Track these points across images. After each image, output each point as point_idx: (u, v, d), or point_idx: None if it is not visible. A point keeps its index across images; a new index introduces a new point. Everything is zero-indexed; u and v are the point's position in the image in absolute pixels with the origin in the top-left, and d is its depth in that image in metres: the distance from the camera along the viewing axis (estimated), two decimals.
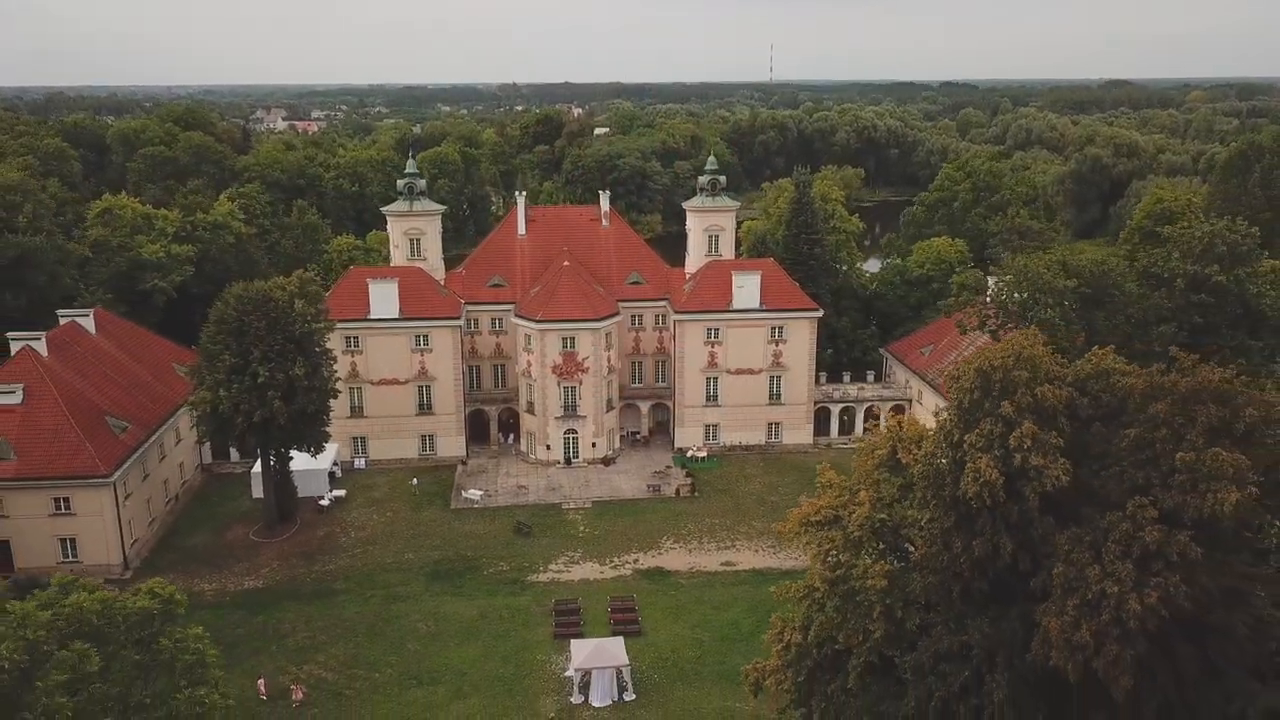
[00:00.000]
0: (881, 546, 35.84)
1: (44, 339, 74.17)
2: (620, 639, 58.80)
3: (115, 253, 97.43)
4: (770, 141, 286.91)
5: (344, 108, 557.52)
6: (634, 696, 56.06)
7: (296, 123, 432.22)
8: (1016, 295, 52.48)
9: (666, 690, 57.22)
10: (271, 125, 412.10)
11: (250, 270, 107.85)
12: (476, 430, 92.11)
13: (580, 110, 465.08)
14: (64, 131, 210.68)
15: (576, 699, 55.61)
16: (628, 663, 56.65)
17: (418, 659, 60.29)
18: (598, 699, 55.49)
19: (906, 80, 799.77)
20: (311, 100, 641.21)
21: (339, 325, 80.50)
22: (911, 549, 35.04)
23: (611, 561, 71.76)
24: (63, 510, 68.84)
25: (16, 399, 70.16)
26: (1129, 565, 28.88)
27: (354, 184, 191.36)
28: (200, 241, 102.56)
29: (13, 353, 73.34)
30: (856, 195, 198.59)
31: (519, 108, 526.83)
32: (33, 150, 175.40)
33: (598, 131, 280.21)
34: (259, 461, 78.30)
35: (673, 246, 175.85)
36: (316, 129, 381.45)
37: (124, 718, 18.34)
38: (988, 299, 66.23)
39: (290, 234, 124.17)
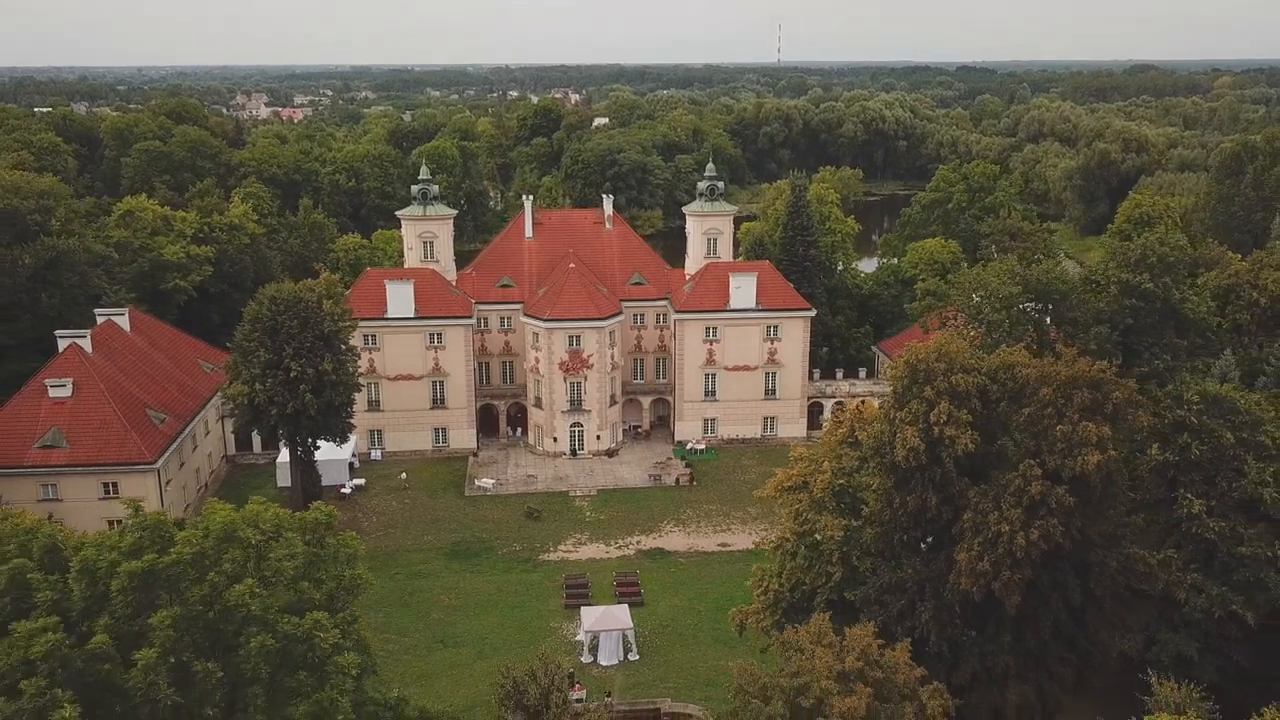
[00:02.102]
0: (840, 506, 47.65)
1: (89, 336, 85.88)
2: (625, 606, 70.56)
3: (137, 254, 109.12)
4: (775, 133, 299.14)
5: (329, 93, 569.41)
6: (638, 656, 67.69)
7: (281, 109, 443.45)
8: (975, 298, 64.20)
9: (666, 651, 68.90)
10: (255, 112, 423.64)
11: (264, 270, 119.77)
12: (485, 424, 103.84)
13: (577, 96, 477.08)
14: (54, 124, 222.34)
15: (586, 659, 67.22)
16: (632, 626, 68.35)
17: (443, 626, 71.98)
18: (605, 658, 67.13)
19: (922, 63, 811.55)
20: (294, 84, 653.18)
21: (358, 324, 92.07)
22: (864, 508, 46.80)
23: (616, 543, 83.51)
24: (111, 494, 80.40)
25: (67, 392, 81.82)
26: (1019, 511, 40.61)
27: (351, 179, 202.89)
28: (217, 243, 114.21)
29: (60, 349, 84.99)
30: (863, 190, 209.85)
31: (513, 94, 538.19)
32: (27, 145, 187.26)
33: (597, 122, 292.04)
34: (283, 452, 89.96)
35: (674, 242, 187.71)
36: (302, 116, 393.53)
37: (314, 584, 30.02)
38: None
39: (297, 233, 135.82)
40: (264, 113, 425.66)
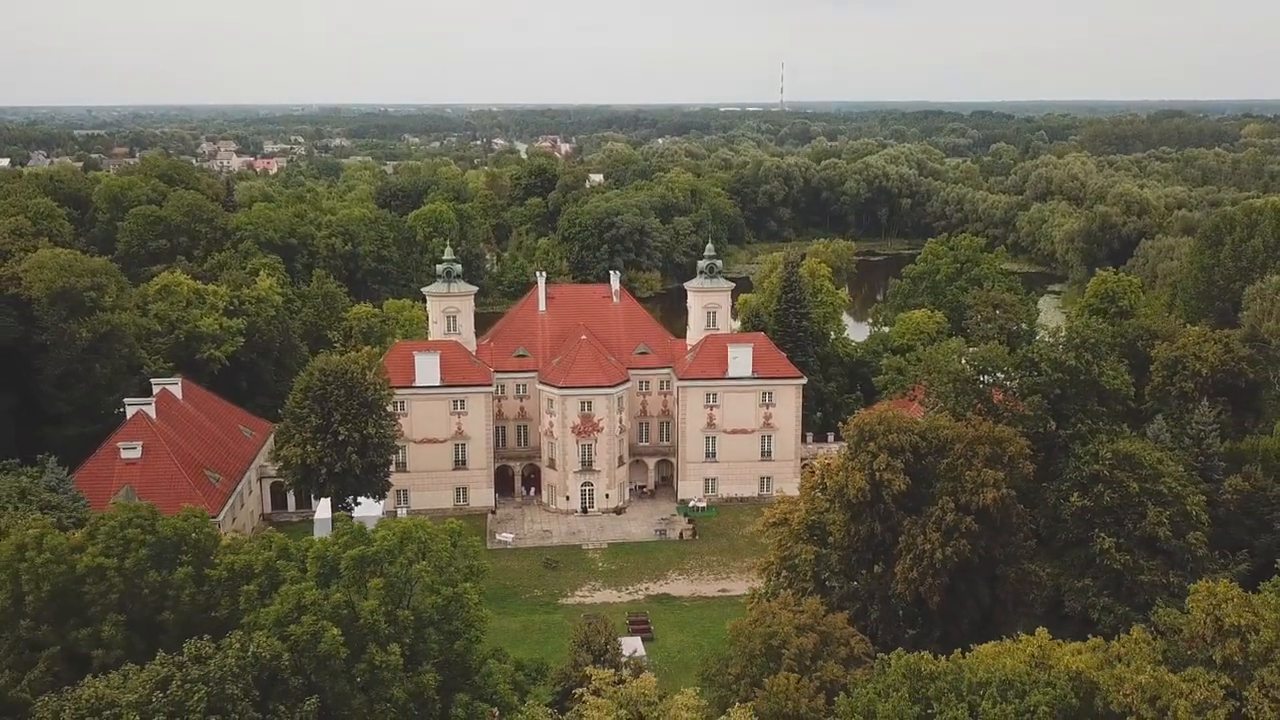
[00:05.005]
0: (813, 536, 69.32)
1: (154, 404, 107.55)
2: (638, 639, 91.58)
3: (175, 325, 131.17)
4: (775, 191, 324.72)
5: (301, 139, 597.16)
6: None
7: (253, 160, 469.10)
8: (933, 374, 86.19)
9: (674, 678, 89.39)
10: (226, 162, 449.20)
11: (288, 340, 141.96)
12: (501, 484, 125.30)
13: (568, 146, 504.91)
14: (42, 185, 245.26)
15: None
16: (644, 654, 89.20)
17: None
18: None
19: (936, 105, 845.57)
20: (260, 128, 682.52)
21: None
22: (830, 537, 68.40)
23: (627, 589, 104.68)
24: None
25: (137, 454, 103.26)
26: (938, 534, 62.25)
27: (346, 243, 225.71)
28: (247, 315, 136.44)
29: (128, 416, 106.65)
30: (852, 256, 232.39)
31: (498, 141, 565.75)
32: (23, 210, 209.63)
33: (592, 178, 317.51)
34: (319, 509, 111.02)
35: (672, 304, 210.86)
36: (278, 169, 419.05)
37: (456, 569, 51.29)
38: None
39: (311, 302, 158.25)
40: (235, 163, 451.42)
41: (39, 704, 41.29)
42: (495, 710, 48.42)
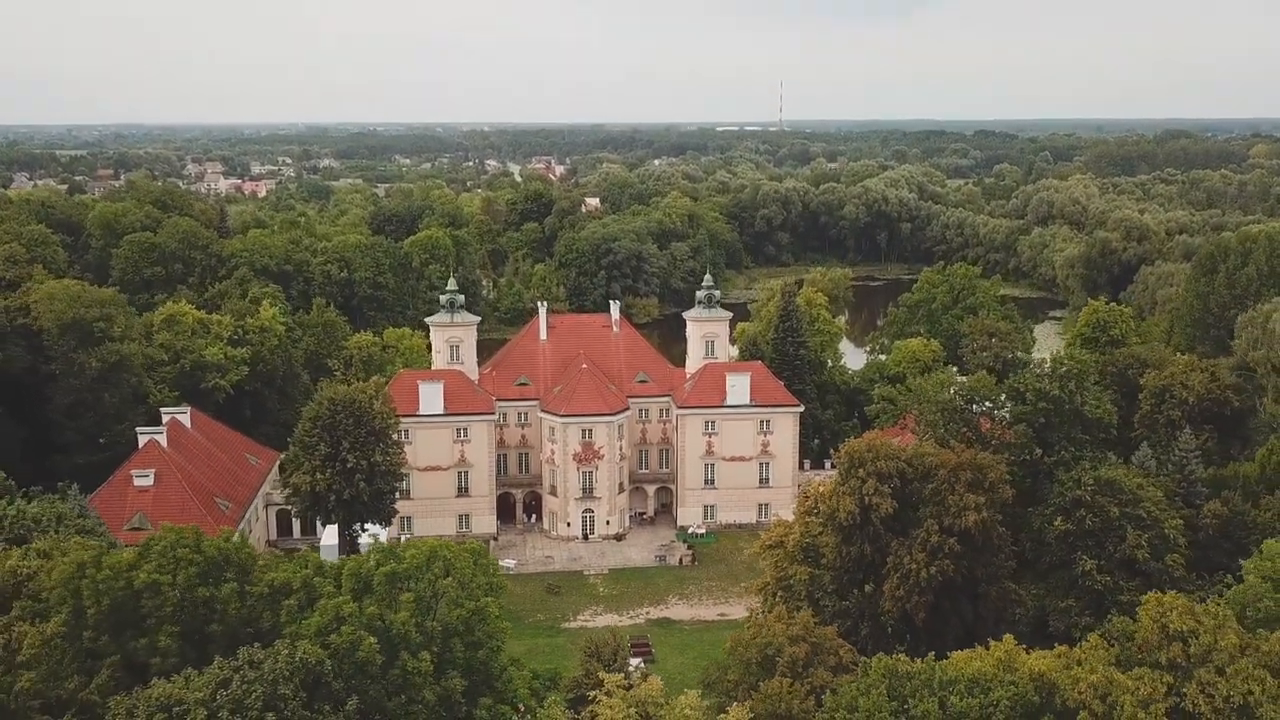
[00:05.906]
0: (807, 558, 76.14)
1: (165, 433, 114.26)
2: (640, 660, 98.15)
3: (180, 355, 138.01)
4: (773, 216, 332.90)
5: (289, 160, 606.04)
6: None
7: (241, 182, 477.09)
8: (922, 404, 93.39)
9: (674, 698, 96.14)
10: (214, 185, 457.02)
11: (290, 368, 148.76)
12: (503, 511, 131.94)
13: (562, 168, 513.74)
14: (34, 211, 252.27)
15: None
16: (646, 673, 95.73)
17: None
18: None
19: (939, 124, 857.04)
20: (247, 149, 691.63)
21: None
22: (823, 558, 75.23)
23: (628, 613, 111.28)
24: None
25: (149, 481, 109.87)
26: (923, 555, 69.15)
27: (341, 269, 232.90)
28: (250, 344, 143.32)
29: (140, 445, 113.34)
30: (848, 283, 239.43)
31: (491, 163, 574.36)
32: (17, 237, 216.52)
33: (589, 202, 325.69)
34: (325, 535, 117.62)
35: (670, 330, 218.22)
36: (266, 192, 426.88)
37: (478, 585, 58.20)
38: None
39: (312, 331, 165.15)
40: (223, 185, 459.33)
41: (113, 703, 48.06)
42: (521, 707, 55.17)
